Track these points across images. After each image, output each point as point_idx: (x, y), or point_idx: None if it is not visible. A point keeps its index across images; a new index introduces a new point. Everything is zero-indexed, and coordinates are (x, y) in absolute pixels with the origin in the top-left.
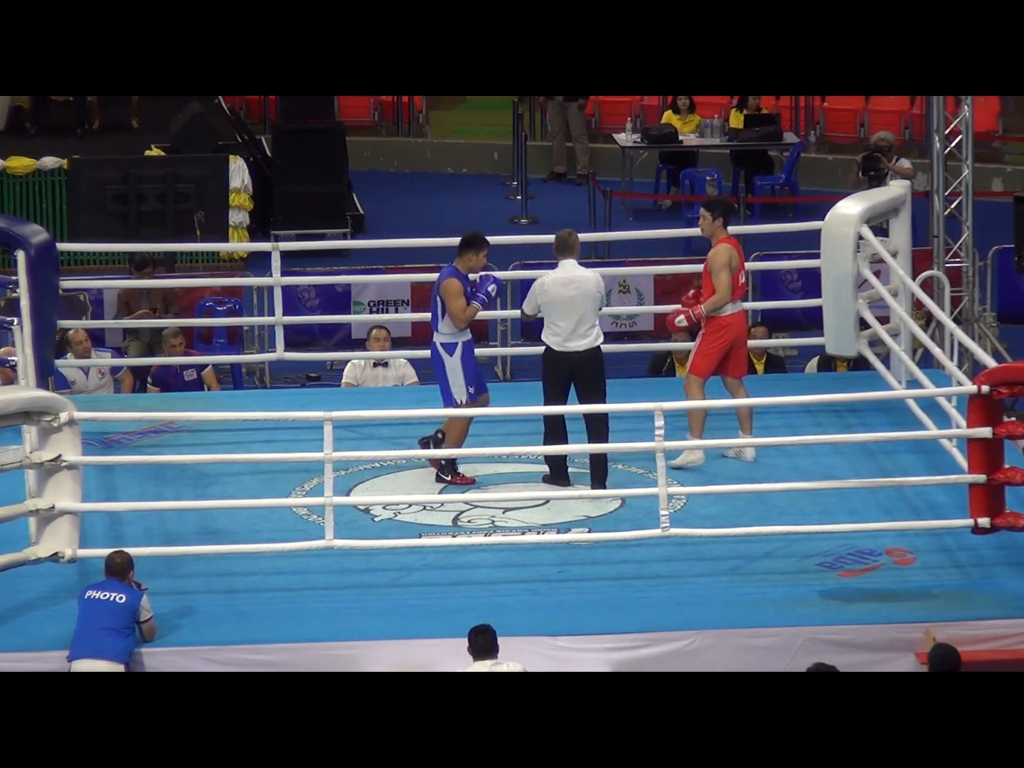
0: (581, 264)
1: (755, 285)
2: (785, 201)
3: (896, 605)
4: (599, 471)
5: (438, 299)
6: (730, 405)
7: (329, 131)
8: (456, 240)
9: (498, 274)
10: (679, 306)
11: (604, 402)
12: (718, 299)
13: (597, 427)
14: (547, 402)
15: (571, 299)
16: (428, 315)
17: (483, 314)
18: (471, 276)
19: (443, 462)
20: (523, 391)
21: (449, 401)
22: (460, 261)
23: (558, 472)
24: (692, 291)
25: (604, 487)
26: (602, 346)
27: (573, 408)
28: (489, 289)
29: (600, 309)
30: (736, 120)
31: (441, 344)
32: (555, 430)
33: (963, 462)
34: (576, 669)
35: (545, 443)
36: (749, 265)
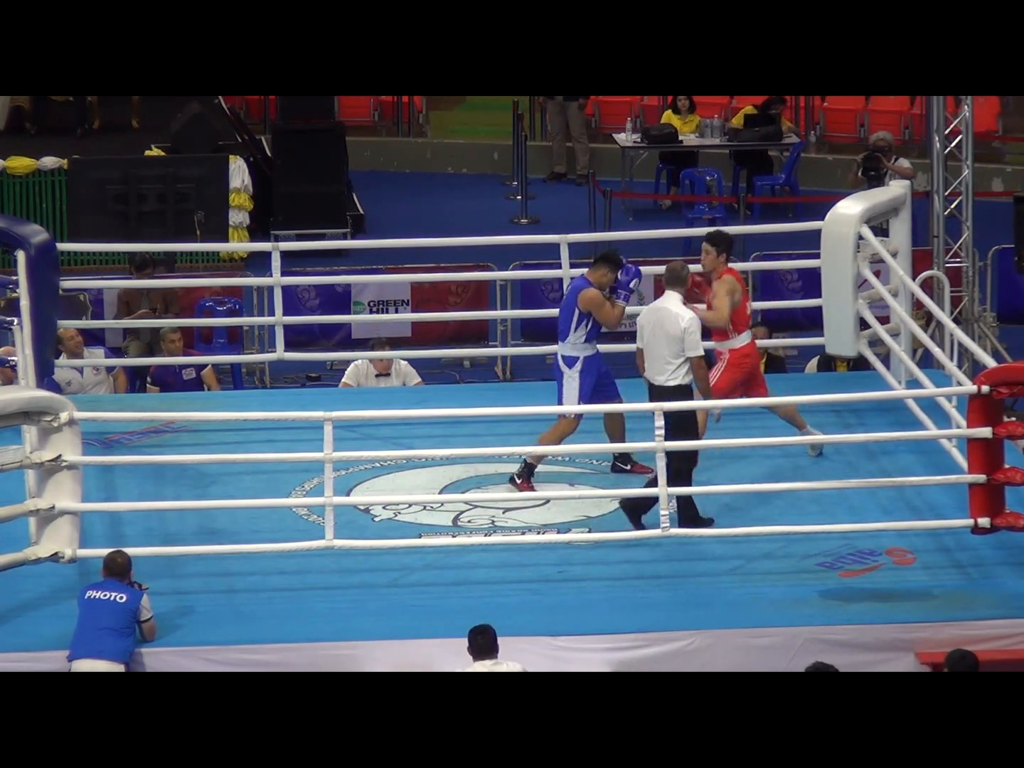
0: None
1: (755, 285)
2: (785, 201)
3: (896, 605)
4: (681, 511)
5: (576, 310)
6: (730, 405)
7: (329, 131)
8: (456, 240)
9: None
10: None
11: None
12: (714, 318)
13: (678, 467)
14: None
15: (650, 331)
16: (427, 315)
17: (483, 314)
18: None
19: (524, 463)
20: (523, 391)
21: None
22: (593, 274)
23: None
24: None
25: (692, 526)
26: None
27: (590, 408)
28: (632, 284)
29: (683, 351)
30: (739, 119)
31: (562, 356)
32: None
33: (963, 462)
34: (576, 669)
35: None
36: (749, 265)
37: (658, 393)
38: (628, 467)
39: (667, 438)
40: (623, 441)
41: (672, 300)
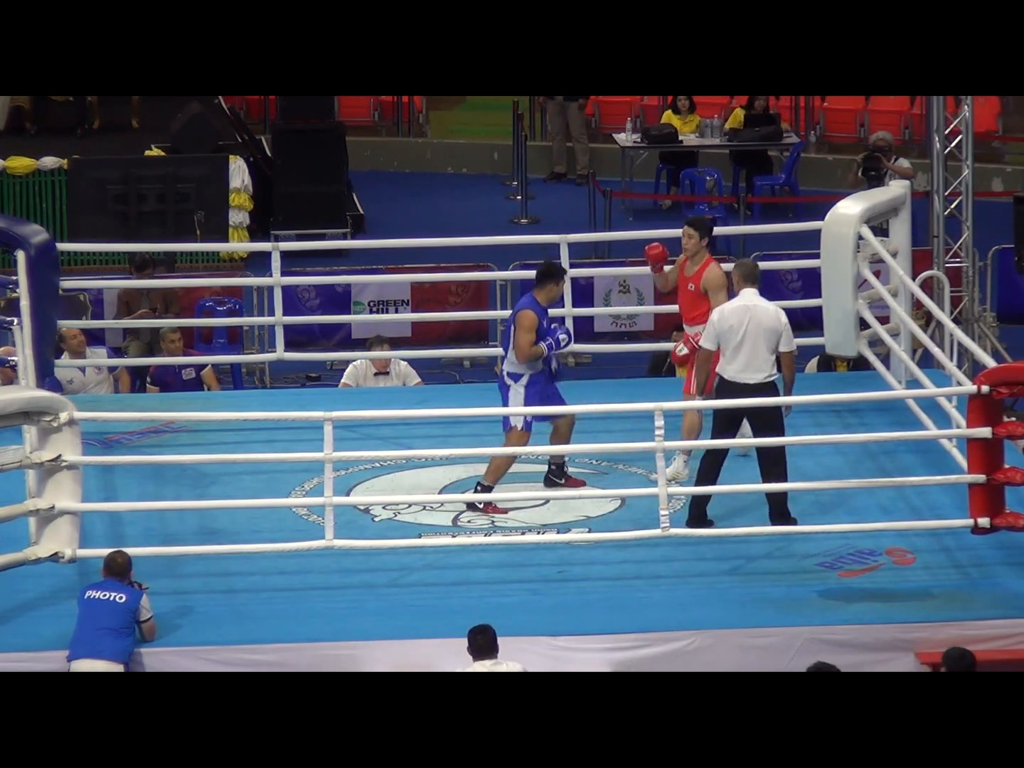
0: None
1: None
2: (785, 201)
3: (896, 605)
4: (773, 507)
5: (511, 327)
6: (728, 405)
7: (329, 131)
8: (456, 240)
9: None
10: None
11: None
12: None
13: (768, 464)
14: (715, 435)
15: (746, 329)
16: (427, 315)
17: (483, 314)
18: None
19: (479, 485)
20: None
21: (506, 424)
22: (540, 292)
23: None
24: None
25: (785, 523)
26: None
27: (586, 408)
28: (560, 337)
29: (780, 345)
30: (736, 120)
31: (507, 372)
32: (713, 467)
33: (963, 462)
34: (576, 669)
35: (698, 481)
36: None
37: (751, 391)
38: (562, 480)
39: (758, 434)
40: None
41: (757, 296)
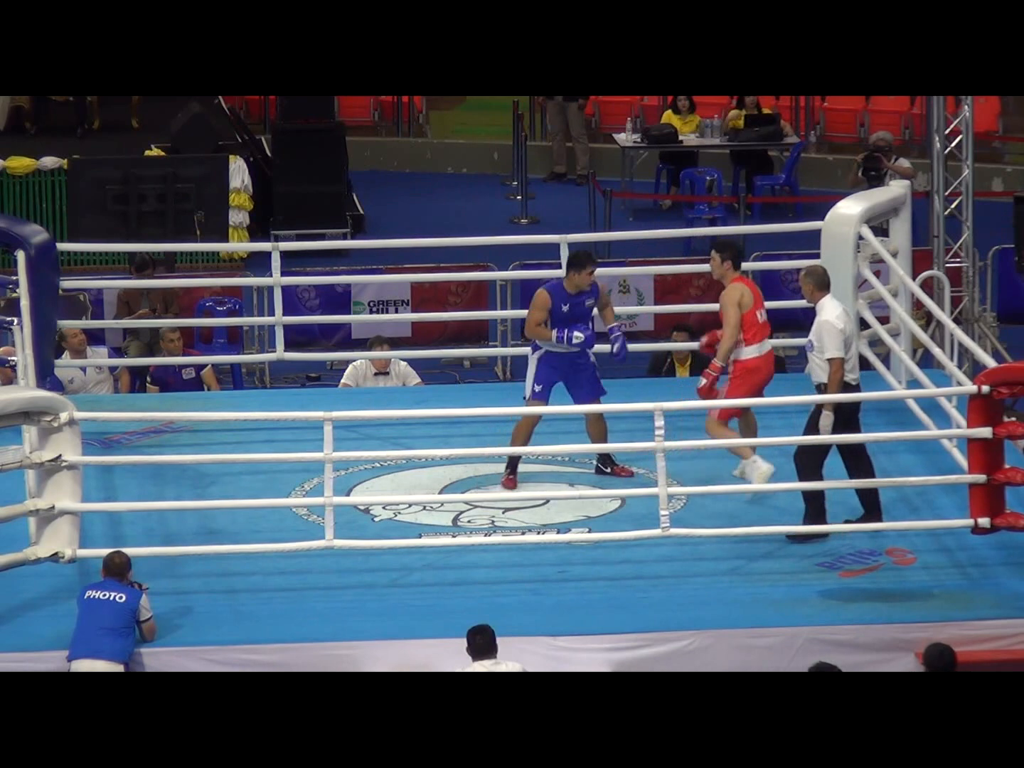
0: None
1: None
2: (785, 201)
3: (896, 605)
4: (865, 502)
5: None
6: (727, 405)
7: (329, 131)
8: (456, 240)
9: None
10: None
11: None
12: (727, 340)
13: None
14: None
15: (853, 331)
16: (427, 315)
17: (483, 314)
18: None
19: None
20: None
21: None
22: (566, 279)
23: (816, 512)
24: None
25: (879, 519)
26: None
27: (585, 408)
28: (575, 334)
29: None
30: (736, 120)
31: (534, 340)
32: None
33: (963, 462)
34: (576, 669)
35: (804, 478)
36: (749, 265)
37: (852, 390)
38: (608, 469)
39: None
40: (604, 442)
41: (836, 300)
